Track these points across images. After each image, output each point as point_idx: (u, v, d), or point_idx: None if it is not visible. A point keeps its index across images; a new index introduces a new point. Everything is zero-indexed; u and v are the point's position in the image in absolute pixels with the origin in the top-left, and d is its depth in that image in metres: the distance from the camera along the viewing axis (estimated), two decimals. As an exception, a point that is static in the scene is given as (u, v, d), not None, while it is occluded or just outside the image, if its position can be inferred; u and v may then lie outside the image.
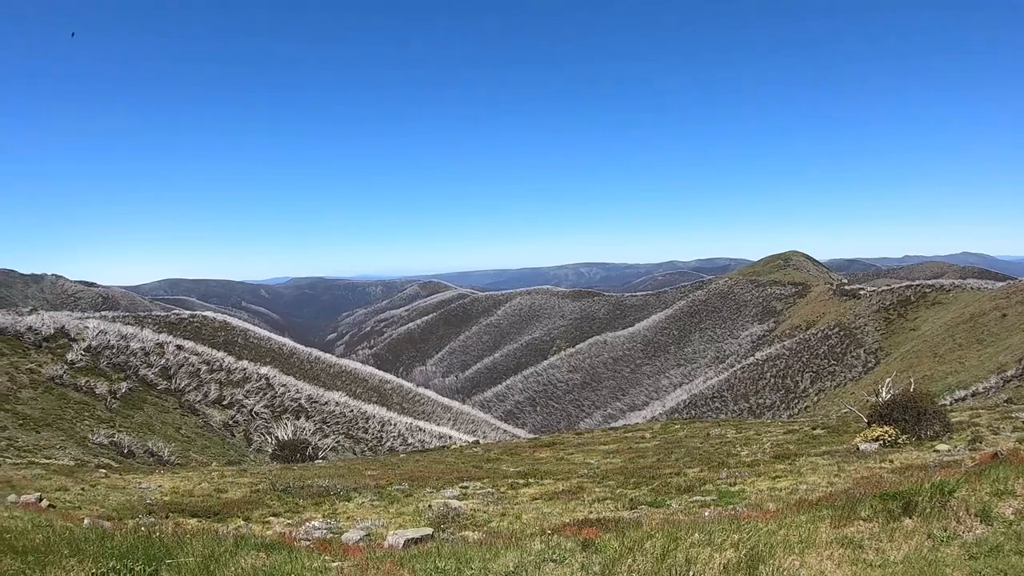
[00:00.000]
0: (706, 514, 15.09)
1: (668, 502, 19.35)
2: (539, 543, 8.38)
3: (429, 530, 13.63)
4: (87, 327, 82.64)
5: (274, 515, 21.54)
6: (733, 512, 13.92)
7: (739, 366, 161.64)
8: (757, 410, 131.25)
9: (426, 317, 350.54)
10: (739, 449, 33.04)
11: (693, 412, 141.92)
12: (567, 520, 16.77)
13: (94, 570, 7.03)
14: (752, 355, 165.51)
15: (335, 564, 7.56)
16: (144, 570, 7.00)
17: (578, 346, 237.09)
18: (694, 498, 19.57)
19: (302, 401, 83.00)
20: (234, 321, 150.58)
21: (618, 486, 23.09)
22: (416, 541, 11.34)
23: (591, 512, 18.76)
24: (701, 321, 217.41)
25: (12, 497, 18.08)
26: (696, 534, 8.28)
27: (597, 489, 22.73)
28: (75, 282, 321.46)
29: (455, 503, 20.09)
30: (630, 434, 45.41)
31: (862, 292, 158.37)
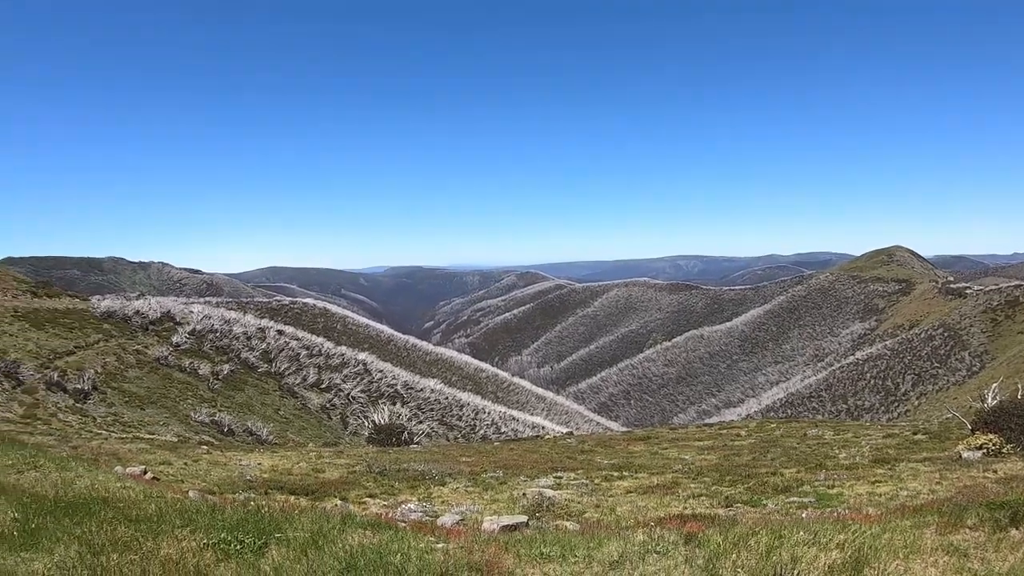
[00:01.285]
0: (803, 516, 14.61)
1: (764, 501, 18.87)
2: (641, 534, 8.15)
3: (524, 518, 13.44)
4: (192, 312, 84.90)
5: (370, 496, 21.62)
6: (833, 515, 13.46)
7: (838, 365, 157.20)
8: (855, 412, 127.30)
9: (523, 307, 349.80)
10: (837, 451, 32.15)
11: (789, 411, 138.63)
12: (661, 515, 16.46)
13: (206, 540, 7.05)
14: (852, 354, 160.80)
15: (440, 545, 7.44)
16: (254, 542, 7.01)
17: (674, 340, 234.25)
18: (791, 499, 19.05)
19: (398, 387, 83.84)
20: (334, 308, 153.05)
21: (713, 483, 22.63)
22: (511, 528, 11.17)
23: (686, 508, 18.40)
24: (800, 318, 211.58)
25: (119, 468, 18.44)
26: (800, 532, 7.98)
27: (692, 485, 22.32)
28: (180, 269, 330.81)
29: (549, 492, 19.89)
30: (725, 431, 44.67)
31: (968, 291, 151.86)
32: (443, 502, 20.61)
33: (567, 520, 16.40)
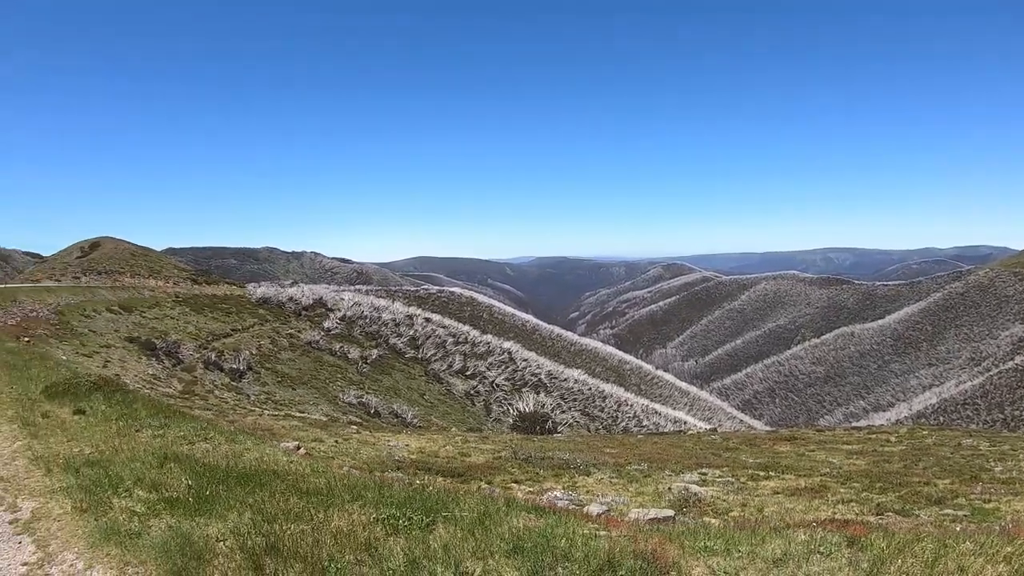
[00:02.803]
0: (958, 529, 14.05)
1: (916, 512, 18.20)
2: (803, 534, 8.00)
3: (671, 512, 13.34)
4: (343, 299, 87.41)
5: (515, 482, 21.78)
6: (994, 528, 12.89)
7: (996, 371, 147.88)
8: (1012, 423, 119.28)
9: (668, 299, 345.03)
10: (992, 464, 30.66)
11: (941, 418, 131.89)
12: (809, 518, 16.09)
13: (375, 515, 7.24)
14: (1012, 359, 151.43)
15: (602, 532, 7.46)
16: (422, 520, 7.15)
17: (823, 337, 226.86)
18: (945, 511, 18.30)
19: (542, 376, 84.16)
20: (480, 297, 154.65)
21: (863, 489, 21.94)
22: (659, 521, 11.09)
23: (835, 512, 17.91)
24: (957, 317, 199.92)
25: (285, 444, 19.10)
26: (966, 543, 7.67)
27: (841, 490, 21.70)
28: (332, 258, 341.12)
29: (695, 488, 19.68)
30: (874, 436, 43.21)
31: None
32: (588, 492, 20.60)
33: (713, 517, 16.21)
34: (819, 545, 7.51)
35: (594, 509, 14.76)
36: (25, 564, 6.67)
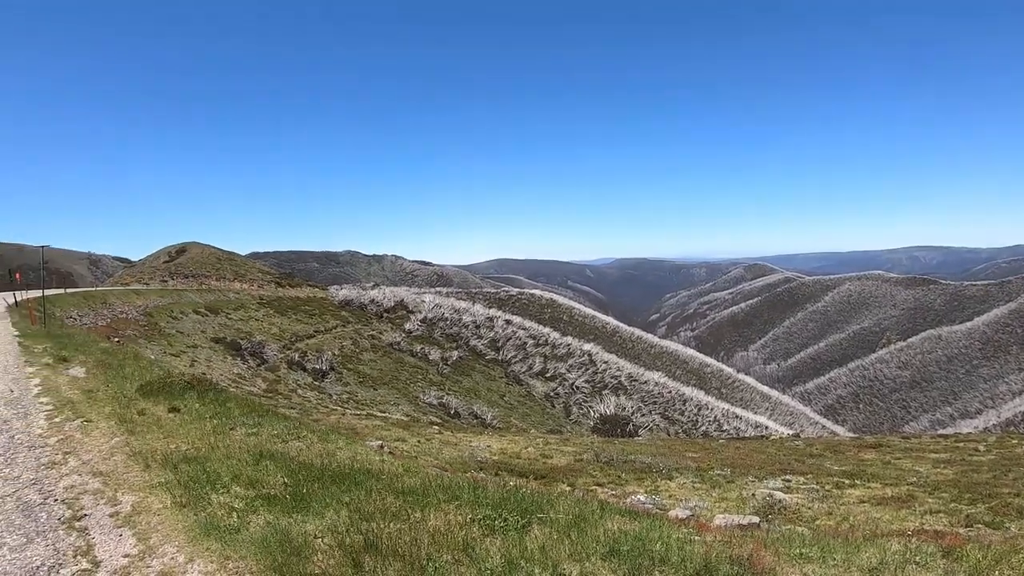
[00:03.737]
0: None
1: (1007, 524, 17.67)
2: (896, 543, 7.85)
3: (756, 519, 13.24)
4: (423, 301, 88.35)
5: (598, 485, 21.74)
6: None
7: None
8: None
9: (750, 301, 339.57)
10: (1088, 476, 29.68)
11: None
12: (896, 528, 15.78)
13: (471, 515, 7.30)
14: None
15: (697, 537, 7.40)
16: (518, 521, 7.19)
17: (909, 340, 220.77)
18: (1037, 524, 17.78)
19: (622, 379, 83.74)
20: (560, 299, 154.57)
21: (951, 500, 21.38)
22: (745, 528, 10.97)
23: (923, 523, 17.52)
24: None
25: (369, 443, 19.31)
26: (1067, 554, 7.47)
27: (929, 500, 21.18)
28: (412, 261, 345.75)
29: (779, 495, 19.47)
30: (961, 444, 42.05)
31: None
32: (670, 496, 20.50)
33: (798, 525, 15.99)
34: (914, 555, 7.43)
35: (678, 514, 14.67)
36: (127, 556, 6.82)
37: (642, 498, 18.71)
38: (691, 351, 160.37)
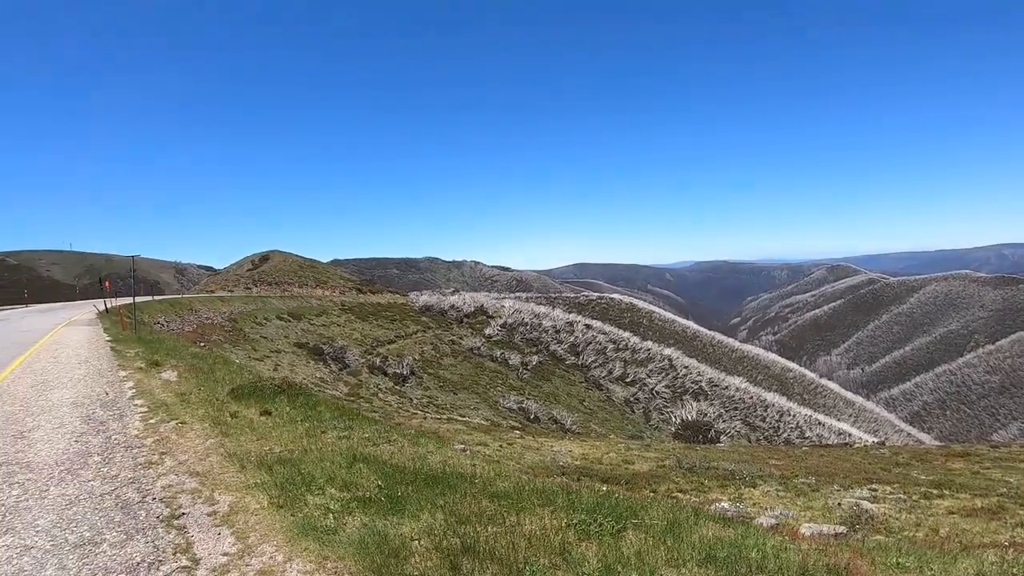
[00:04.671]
0: None
1: (1105, 539, 17.11)
2: (993, 555, 7.68)
3: (843, 529, 13.03)
4: (503, 306, 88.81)
5: (680, 492, 21.57)
6: None
7: None
8: None
9: (833, 303, 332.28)
10: None
11: None
12: (987, 540, 15.38)
13: (566, 520, 7.31)
14: None
15: (792, 545, 7.31)
16: (613, 526, 7.18)
17: (998, 343, 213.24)
18: None
19: (703, 384, 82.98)
20: (640, 303, 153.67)
21: (1045, 511, 20.76)
22: (832, 538, 10.79)
23: (1015, 536, 17.03)
24: None
25: (453, 447, 19.42)
26: None
27: (1021, 512, 20.58)
28: (491, 267, 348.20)
29: (866, 505, 19.14)
30: (1054, 453, 40.89)
31: None
32: (755, 504, 20.26)
33: (886, 536, 15.67)
34: (1011, 567, 7.25)
35: (763, 522, 14.46)
36: (225, 554, 6.93)
37: (726, 505, 18.50)
38: (772, 355, 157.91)
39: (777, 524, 14.74)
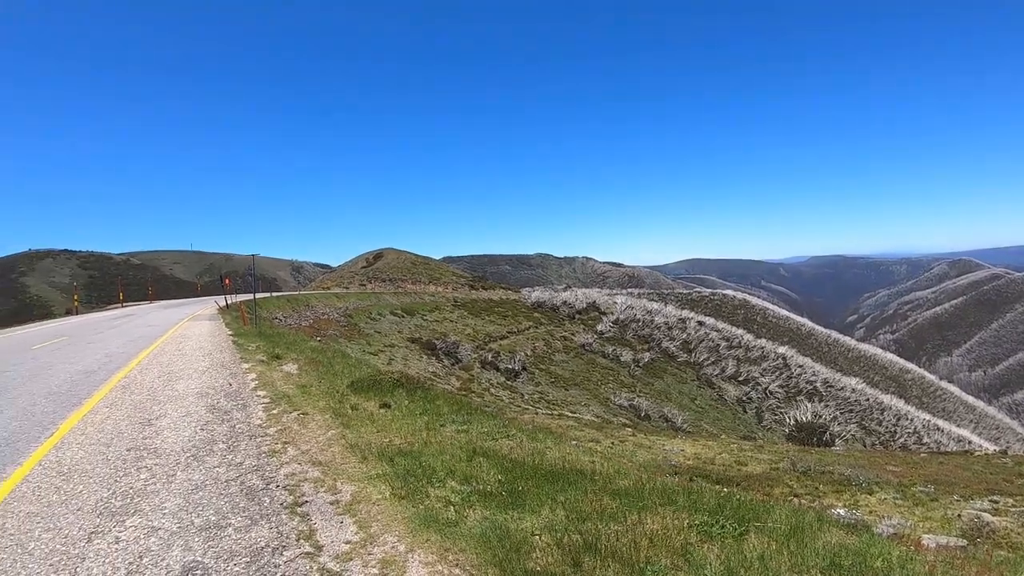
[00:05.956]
0: None
1: None
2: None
3: (963, 542, 12.70)
4: (615, 303, 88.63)
5: (794, 496, 21.21)
6: None
7: None
8: None
9: (954, 301, 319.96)
10: None
11: None
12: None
13: (688, 520, 7.29)
14: None
15: (917, 556, 7.15)
16: (735, 528, 7.14)
17: None
18: None
19: (817, 384, 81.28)
20: (753, 300, 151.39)
21: None
22: (956, 550, 10.48)
23: None
24: None
25: (572, 442, 19.46)
26: None
27: None
28: (603, 263, 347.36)
29: (988, 517, 18.45)
30: None
31: None
32: (871, 512, 19.78)
33: (1008, 552, 15.13)
34: None
35: (880, 531, 14.15)
36: (348, 542, 7.10)
37: (841, 512, 18.08)
38: (890, 355, 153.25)
39: (895, 534, 14.40)
